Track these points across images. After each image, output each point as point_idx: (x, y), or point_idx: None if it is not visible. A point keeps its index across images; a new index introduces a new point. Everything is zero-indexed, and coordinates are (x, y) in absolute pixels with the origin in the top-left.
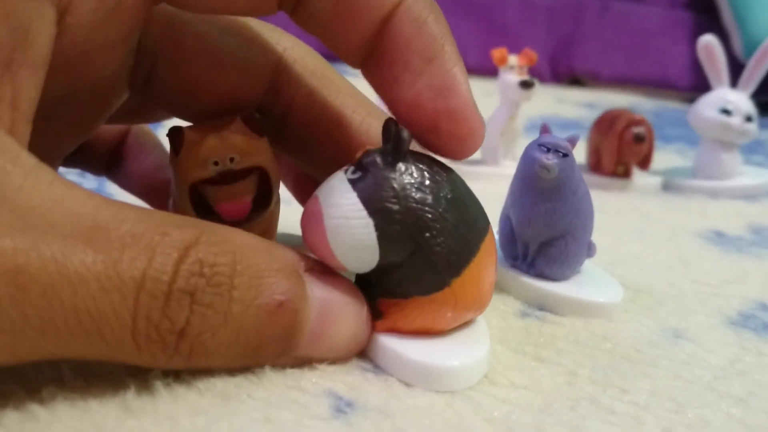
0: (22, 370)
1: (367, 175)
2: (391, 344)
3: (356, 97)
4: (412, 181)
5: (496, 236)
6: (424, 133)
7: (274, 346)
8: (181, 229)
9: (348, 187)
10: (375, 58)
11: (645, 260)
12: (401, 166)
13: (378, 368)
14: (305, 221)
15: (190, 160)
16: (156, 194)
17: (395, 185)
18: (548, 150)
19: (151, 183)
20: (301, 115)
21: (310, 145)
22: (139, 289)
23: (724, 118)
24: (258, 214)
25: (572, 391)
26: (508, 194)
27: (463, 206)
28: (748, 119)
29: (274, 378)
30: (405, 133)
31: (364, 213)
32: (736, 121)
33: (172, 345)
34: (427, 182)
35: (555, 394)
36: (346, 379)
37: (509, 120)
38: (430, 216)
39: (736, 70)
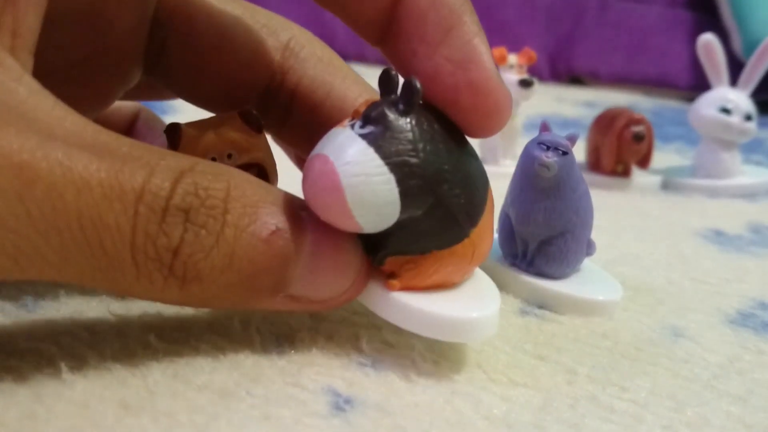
0: (21, 368)
1: (380, 129)
2: (408, 300)
3: (360, 83)
4: (427, 132)
5: (495, 234)
6: (445, 108)
7: (267, 277)
8: (177, 157)
9: (362, 142)
10: (392, 32)
11: (644, 259)
12: (413, 117)
13: (377, 364)
14: (313, 182)
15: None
16: None
17: (411, 137)
18: (548, 148)
19: None
20: (306, 99)
21: (315, 130)
22: (138, 200)
23: (723, 116)
24: None
25: (572, 389)
26: (507, 192)
27: (473, 155)
28: (748, 118)
29: (272, 375)
30: (417, 83)
31: (385, 168)
32: (735, 120)
33: (167, 264)
34: (440, 133)
35: (554, 392)
36: (345, 375)
37: (508, 119)
38: (447, 167)
39: (735, 68)
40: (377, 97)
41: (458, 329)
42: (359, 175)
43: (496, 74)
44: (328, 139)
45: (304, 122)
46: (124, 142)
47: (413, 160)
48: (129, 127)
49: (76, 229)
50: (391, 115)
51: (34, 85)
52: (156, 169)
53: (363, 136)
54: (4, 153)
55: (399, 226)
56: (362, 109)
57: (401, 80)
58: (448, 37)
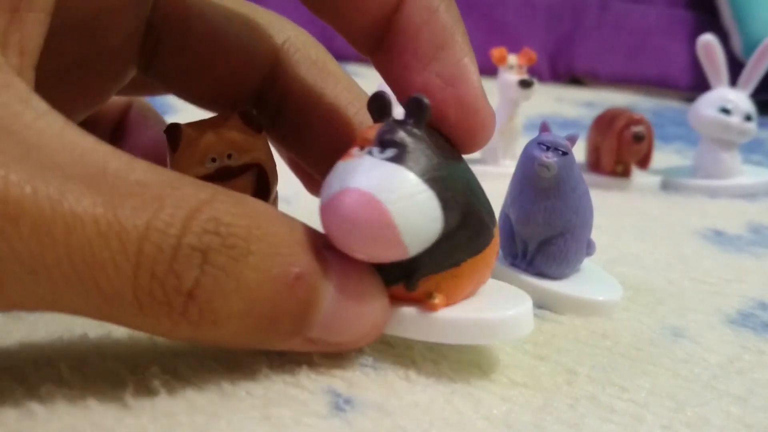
0: (20, 367)
1: (402, 149)
2: (452, 314)
3: (353, 89)
4: (439, 145)
5: None
6: (433, 123)
7: (287, 322)
8: (195, 186)
9: (393, 165)
10: (385, 45)
11: (644, 259)
12: (425, 134)
13: (377, 364)
14: (351, 217)
15: (188, 156)
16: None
17: (431, 152)
18: (548, 148)
19: (153, 157)
20: (296, 102)
21: (304, 134)
22: (142, 239)
23: (723, 117)
24: None
25: (571, 389)
26: (507, 193)
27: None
28: (748, 118)
29: (272, 375)
30: (425, 100)
31: (425, 186)
32: (735, 120)
33: (179, 308)
34: (445, 144)
35: (554, 392)
36: (345, 376)
37: (508, 119)
38: (469, 175)
39: (735, 69)
40: (364, 102)
41: (512, 327)
42: (404, 198)
43: (483, 93)
44: (348, 171)
45: (294, 125)
46: (135, 168)
47: (442, 173)
48: (122, 117)
49: (67, 268)
50: (408, 135)
51: (42, 106)
52: (166, 202)
53: (391, 160)
54: None
55: (435, 244)
56: (368, 136)
57: (393, 99)
58: (440, 53)
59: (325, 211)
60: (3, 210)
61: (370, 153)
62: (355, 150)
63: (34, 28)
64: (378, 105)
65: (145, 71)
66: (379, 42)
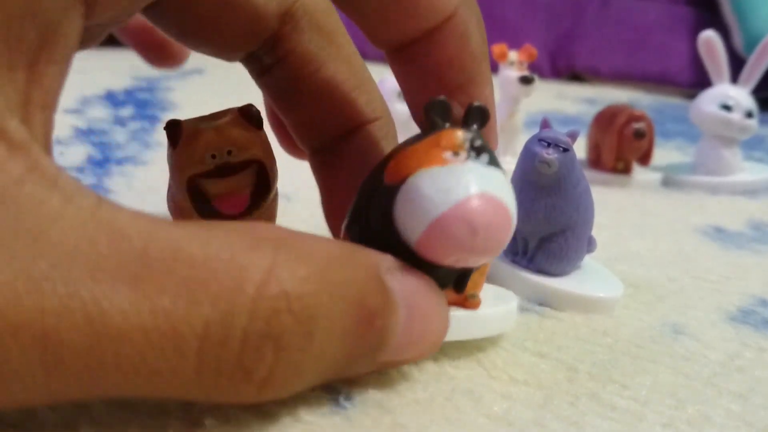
0: None
1: (493, 155)
2: (482, 311)
3: (354, 65)
4: None
5: None
6: None
7: (361, 363)
8: (251, 251)
9: (497, 171)
10: (408, 55)
11: (645, 256)
12: None
13: None
14: (492, 221)
15: (188, 153)
16: (153, 50)
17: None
18: (548, 145)
19: (149, 38)
20: (293, 68)
21: (296, 99)
22: (201, 340)
23: (724, 113)
24: (256, 208)
25: (572, 386)
26: None
27: None
28: (749, 115)
29: None
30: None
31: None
32: (736, 116)
33: (250, 395)
34: None
35: (555, 389)
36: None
37: (509, 116)
38: None
39: (736, 65)
40: (364, 83)
41: (501, 322)
42: (512, 201)
43: (495, 126)
44: (464, 177)
45: (288, 87)
46: (180, 243)
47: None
48: None
49: (120, 382)
50: (482, 138)
51: (70, 185)
52: (223, 284)
53: (491, 165)
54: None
55: None
56: (456, 141)
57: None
58: (466, 86)
59: (454, 216)
60: (43, 345)
61: (470, 158)
62: (447, 155)
63: (55, 80)
64: (441, 110)
65: (145, 11)
66: (402, 49)
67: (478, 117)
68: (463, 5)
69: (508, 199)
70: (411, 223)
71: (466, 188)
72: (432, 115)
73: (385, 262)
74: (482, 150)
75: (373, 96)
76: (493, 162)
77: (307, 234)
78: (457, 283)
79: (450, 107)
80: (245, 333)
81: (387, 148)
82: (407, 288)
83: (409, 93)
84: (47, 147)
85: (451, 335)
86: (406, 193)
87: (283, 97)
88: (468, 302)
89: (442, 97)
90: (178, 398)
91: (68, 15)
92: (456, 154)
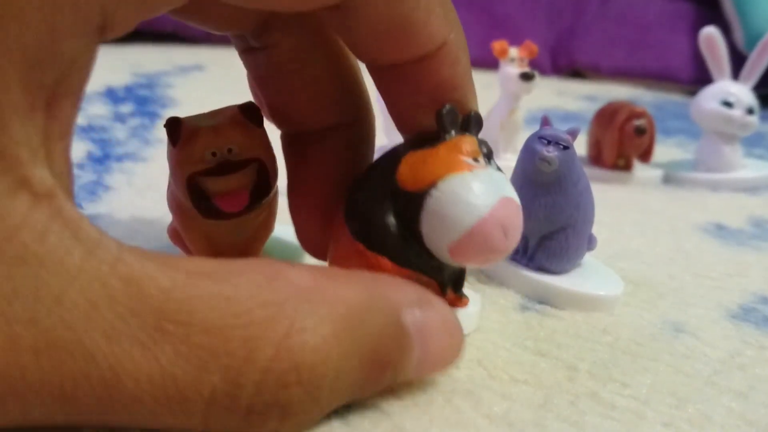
0: None
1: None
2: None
3: (341, 66)
4: None
5: None
6: None
7: (373, 392)
8: (270, 311)
9: (504, 176)
10: (397, 75)
11: (646, 253)
12: None
13: None
14: (518, 222)
15: (188, 151)
16: None
17: None
18: (548, 142)
19: None
20: (277, 60)
21: (271, 85)
22: (208, 404)
23: (725, 110)
24: (256, 206)
25: (572, 386)
26: None
27: None
28: (750, 111)
29: None
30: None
31: None
32: (737, 113)
33: None
34: None
35: (555, 389)
36: None
37: (510, 112)
38: None
39: (737, 62)
40: (354, 83)
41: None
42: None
43: None
44: (493, 183)
45: (265, 72)
46: (197, 303)
47: None
48: None
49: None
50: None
51: (92, 235)
52: (235, 355)
53: (498, 169)
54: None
55: None
56: (473, 148)
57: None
58: (459, 104)
59: (491, 221)
60: (64, 407)
61: (487, 164)
62: (470, 161)
63: (71, 109)
64: (452, 118)
65: None
66: (391, 68)
67: (477, 124)
68: (454, 33)
69: (517, 198)
70: (445, 229)
71: (497, 193)
72: (445, 123)
73: (407, 297)
74: (491, 155)
75: (355, 98)
76: (500, 168)
77: (331, 279)
78: (456, 283)
79: (458, 116)
80: (251, 403)
81: (360, 152)
82: (426, 325)
83: (395, 106)
84: (68, 177)
85: None
86: (438, 199)
87: (261, 80)
88: (460, 301)
89: (451, 106)
90: None
91: (86, 49)
92: (476, 160)
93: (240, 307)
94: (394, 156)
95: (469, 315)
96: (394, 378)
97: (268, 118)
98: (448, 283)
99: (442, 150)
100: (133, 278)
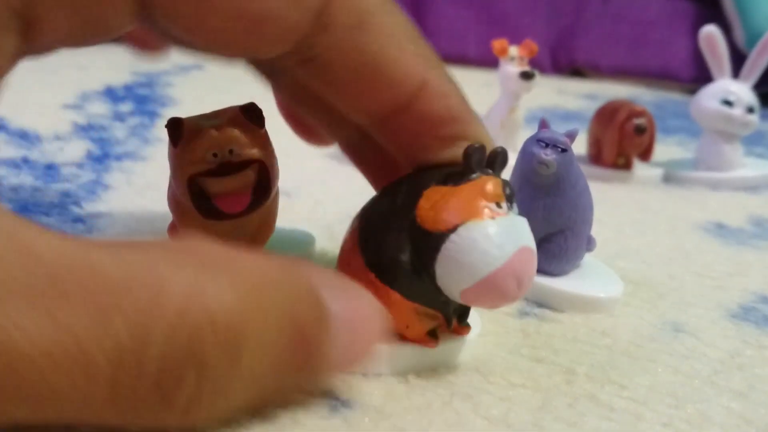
0: None
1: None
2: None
3: (392, 35)
4: None
5: None
6: None
7: (294, 380)
8: (175, 270)
9: (522, 218)
10: (394, 124)
11: (645, 253)
12: None
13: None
14: (527, 276)
15: (189, 151)
16: (138, 39)
17: None
18: (546, 145)
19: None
20: (321, 68)
21: (322, 92)
22: (114, 365)
23: (725, 109)
24: (257, 207)
25: (570, 388)
26: None
27: None
28: (750, 110)
29: None
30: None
31: None
32: (737, 112)
33: (174, 420)
34: None
35: (553, 391)
36: (344, 379)
37: (510, 111)
38: None
39: (737, 61)
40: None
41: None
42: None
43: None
44: (514, 230)
45: (308, 85)
46: (97, 261)
47: None
48: None
49: (19, 402)
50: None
51: None
52: (140, 305)
53: (519, 213)
54: None
55: None
56: (497, 191)
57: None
58: (463, 136)
59: (506, 272)
60: None
61: (510, 210)
62: (493, 206)
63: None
64: (479, 157)
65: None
66: (384, 121)
67: (503, 163)
68: (435, 71)
69: (534, 246)
70: (460, 275)
71: (515, 244)
72: (472, 162)
73: (320, 275)
74: (513, 197)
75: (419, 57)
76: (519, 209)
77: (242, 252)
78: (461, 316)
79: (485, 155)
80: (163, 356)
81: (450, 103)
82: (340, 298)
83: (404, 154)
84: None
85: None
86: (457, 245)
87: (304, 95)
88: (463, 330)
89: (479, 144)
90: (92, 424)
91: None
92: (499, 205)
93: (144, 261)
94: (415, 187)
95: (468, 341)
96: (315, 355)
97: (326, 132)
98: (454, 315)
99: (465, 191)
100: (25, 240)
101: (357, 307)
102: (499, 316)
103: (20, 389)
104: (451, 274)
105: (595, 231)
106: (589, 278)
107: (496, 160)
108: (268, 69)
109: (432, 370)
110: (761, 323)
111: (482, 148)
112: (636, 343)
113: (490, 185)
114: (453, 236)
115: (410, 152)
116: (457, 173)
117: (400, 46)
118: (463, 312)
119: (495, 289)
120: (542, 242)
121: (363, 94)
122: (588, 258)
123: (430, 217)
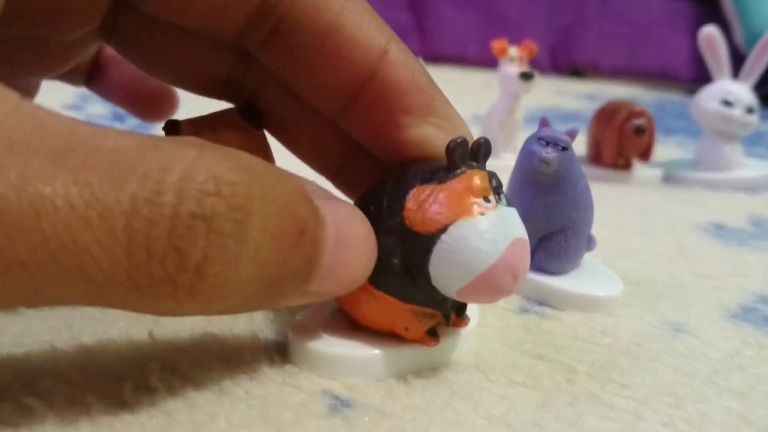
0: (18, 362)
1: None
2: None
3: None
4: None
5: None
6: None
7: (293, 280)
8: (178, 143)
9: (515, 211)
10: (361, 104)
11: (645, 253)
12: None
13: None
14: (523, 266)
15: None
16: (140, 103)
17: None
18: (547, 144)
19: (134, 92)
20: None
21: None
22: (129, 215)
23: (725, 109)
24: None
25: (571, 387)
26: (507, 188)
27: None
28: (750, 111)
29: (272, 375)
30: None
31: None
32: (737, 112)
33: (185, 286)
34: None
35: (554, 390)
36: (344, 378)
37: (509, 112)
38: None
39: (737, 61)
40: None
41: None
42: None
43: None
44: (506, 223)
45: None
46: (107, 135)
47: None
48: (96, 56)
49: (46, 261)
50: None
51: None
52: (151, 166)
53: (508, 204)
54: None
55: None
56: (484, 185)
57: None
58: (431, 108)
59: (501, 267)
60: None
61: (498, 202)
62: (481, 201)
63: None
64: (462, 151)
65: (108, 40)
66: (350, 102)
67: (486, 154)
68: (394, 43)
69: (526, 235)
70: (454, 274)
71: (506, 237)
72: (455, 158)
73: (316, 188)
74: (500, 189)
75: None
76: (507, 199)
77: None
78: (458, 310)
79: (468, 148)
80: (175, 211)
81: (414, 74)
82: (335, 211)
83: (376, 140)
84: None
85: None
86: (448, 245)
87: (283, 126)
88: (462, 322)
89: (461, 138)
90: (111, 294)
91: None
92: (487, 199)
93: (149, 139)
94: (400, 188)
95: (468, 332)
96: (314, 253)
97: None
98: (452, 310)
99: (451, 188)
100: (38, 114)
101: (349, 225)
102: (499, 311)
103: (41, 235)
104: (446, 274)
105: (595, 231)
106: (589, 277)
107: (479, 152)
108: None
109: (432, 367)
110: (761, 323)
111: (464, 142)
112: (636, 343)
113: (477, 179)
114: (444, 237)
115: (381, 135)
116: (440, 169)
117: (360, 12)
118: (461, 306)
119: (491, 285)
120: (542, 241)
121: (329, 64)
122: (588, 258)
123: (419, 218)
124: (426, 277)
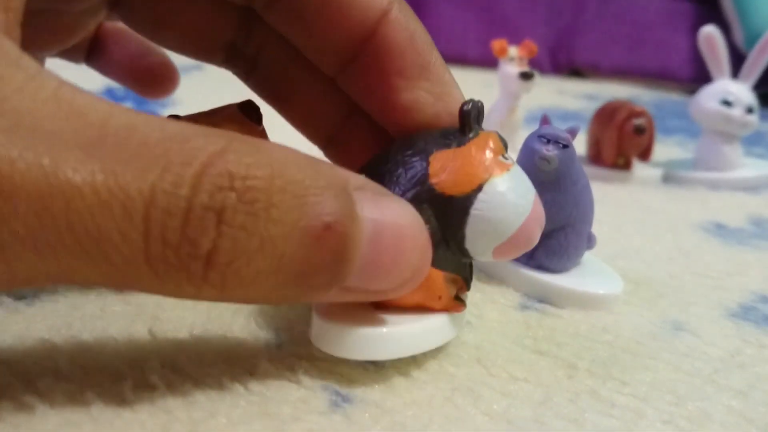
0: (18, 361)
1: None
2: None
3: None
4: None
5: None
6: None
7: (321, 275)
8: (204, 137)
9: (519, 170)
10: (359, 64)
11: (645, 252)
12: None
13: (376, 362)
14: (539, 224)
15: None
16: (140, 79)
17: None
18: (548, 141)
19: (134, 68)
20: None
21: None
22: (148, 204)
23: (725, 109)
24: None
25: (572, 383)
26: None
27: None
28: (750, 110)
29: (272, 371)
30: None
31: None
32: (737, 112)
33: (198, 273)
34: None
35: (555, 387)
36: (345, 373)
37: (509, 111)
38: None
39: (737, 61)
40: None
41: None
42: None
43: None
44: (522, 180)
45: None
46: (137, 126)
47: None
48: (97, 31)
49: (71, 243)
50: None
51: (33, 66)
52: (172, 160)
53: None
54: None
55: None
56: (499, 144)
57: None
58: (425, 72)
59: (533, 218)
60: None
61: (512, 160)
62: (501, 159)
63: None
64: (477, 113)
65: (112, 10)
66: (350, 61)
67: (478, 117)
68: (396, 2)
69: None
70: (494, 231)
71: (530, 191)
72: (470, 120)
73: (358, 180)
74: (506, 147)
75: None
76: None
77: (271, 141)
78: (467, 279)
79: (481, 109)
80: (189, 203)
81: (413, 35)
82: (382, 208)
83: (373, 102)
84: (15, 16)
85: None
86: (486, 203)
87: (280, 90)
88: (459, 306)
89: (473, 100)
90: (135, 279)
91: None
92: (505, 157)
93: (179, 129)
94: (415, 156)
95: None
96: (343, 251)
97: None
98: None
99: (474, 150)
100: (74, 102)
101: (396, 223)
102: (500, 307)
103: (66, 217)
104: (485, 233)
105: (595, 230)
106: (589, 275)
107: (479, 115)
108: (248, 66)
109: (434, 361)
110: (761, 322)
111: (477, 103)
112: (637, 341)
113: (494, 139)
114: (481, 195)
115: (376, 96)
116: (452, 133)
117: None
118: (470, 268)
119: (526, 239)
120: (543, 238)
121: (330, 22)
122: (588, 256)
123: (449, 181)
124: (460, 239)
